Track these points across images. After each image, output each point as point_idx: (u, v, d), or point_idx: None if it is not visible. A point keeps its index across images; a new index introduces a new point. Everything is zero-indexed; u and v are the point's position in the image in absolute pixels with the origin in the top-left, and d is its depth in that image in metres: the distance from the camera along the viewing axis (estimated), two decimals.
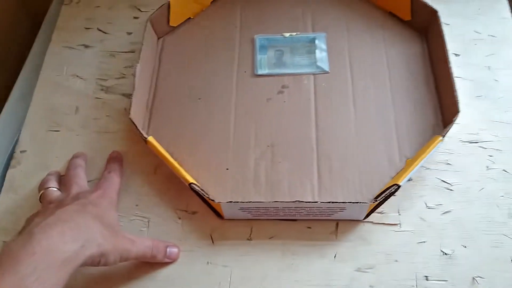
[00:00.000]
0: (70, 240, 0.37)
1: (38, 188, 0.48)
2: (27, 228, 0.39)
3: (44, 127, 0.56)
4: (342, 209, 0.44)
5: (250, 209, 0.45)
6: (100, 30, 0.63)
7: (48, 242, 0.36)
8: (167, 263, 0.45)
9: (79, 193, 0.45)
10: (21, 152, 0.54)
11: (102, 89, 0.58)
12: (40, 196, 0.47)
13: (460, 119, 0.49)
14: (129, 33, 0.63)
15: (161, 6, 0.58)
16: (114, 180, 0.48)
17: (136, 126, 0.49)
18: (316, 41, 0.58)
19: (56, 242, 0.36)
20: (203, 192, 0.45)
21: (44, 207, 0.44)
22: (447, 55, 0.51)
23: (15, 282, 0.33)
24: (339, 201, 0.44)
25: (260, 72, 0.57)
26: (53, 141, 0.55)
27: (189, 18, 0.62)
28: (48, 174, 0.50)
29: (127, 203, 0.50)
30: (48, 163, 0.53)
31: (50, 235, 0.37)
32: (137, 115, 0.52)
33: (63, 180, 0.49)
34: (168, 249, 0.45)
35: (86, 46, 0.62)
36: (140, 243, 0.43)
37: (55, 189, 0.47)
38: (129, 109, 0.50)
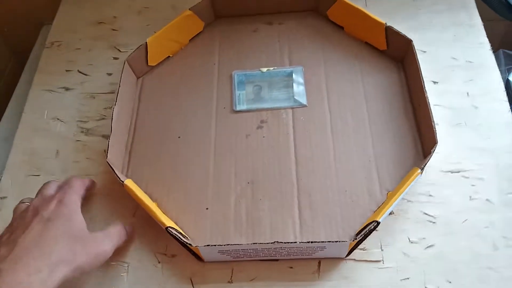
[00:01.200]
0: (34, 271, 0.37)
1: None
2: None
3: (24, 172, 0.56)
4: (323, 248, 0.44)
5: (229, 252, 0.44)
6: (80, 72, 0.64)
7: (13, 277, 0.36)
8: None
9: (39, 205, 0.43)
10: (1, 198, 0.54)
11: (82, 132, 0.58)
12: (14, 211, 0.46)
13: (440, 148, 0.49)
14: (109, 74, 0.63)
15: (138, 47, 0.58)
16: (74, 183, 0.46)
17: (113, 170, 0.49)
18: (293, 75, 0.58)
19: (22, 276, 0.37)
20: (180, 236, 0.44)
21: (5, 229, 0.42)
22: (423, 85, 0.51)
23: None
24: (318, 241, 0.43)
25: (238, 108, 0.56)
26: (34, 187, 0.54)
27: (168, 56, 0.62)
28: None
29: None
30: None
31: (15, 269, 0.37)
32: (116, 157, 0.52)
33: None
34: (126, 227, 0.47)
35: (67, 89, 0.62)
36: (108, 241, 0.44)
37: (25, 203, 0.46)
38: (107, 152, 0.50)
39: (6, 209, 0.53)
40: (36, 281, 0.37)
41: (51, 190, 0.46)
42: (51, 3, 0.71)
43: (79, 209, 0.44)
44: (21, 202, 0.46)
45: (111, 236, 0.45)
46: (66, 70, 0.64)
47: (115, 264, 0.48)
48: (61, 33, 0.68)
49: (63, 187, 0.46)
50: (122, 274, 0.47)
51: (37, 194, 0.46)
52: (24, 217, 0.42)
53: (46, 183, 0.47)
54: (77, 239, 0.41)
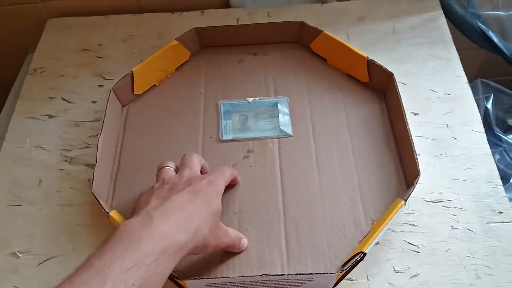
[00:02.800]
0: (184, 230, 0.39)
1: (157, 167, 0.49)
2: (144, 208, 0.40)
3: (5, 201, 0.54)
4: (310, 280, 0.44)
5: (216, 284, 0.44)
6: (64, 100, 0.63)
7: (165, 229, 0.38)
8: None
9: (191, 177, 0.45)
10: None
11: (66, 160, 0.57)
12: (156, 173, 0.47)
13: (422, 179, 0.50)
14: (94, 102, 0.63)
15: (124, 76, 0.59)
16: (225, 172, 0.48)
17: (98, 201, 0.48)
18: (279, 105, 0.59)
19: (172, 230, 0.38)
20: None
21: (158, 185, 0.44)
22: (405, 117, 0.53)
23: (137, 258, 0.35)
24: (306, 273, 0.43)
25: (225, 137, 0.57)
26: (15, 217, 0.53)
27: (154, 85, 0.63)
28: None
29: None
30: (10, 239, 0.51)
31: (167, 222, 0.38)
32: (101, 187, 0.52)
33: (180, 163, 0.49)
34: (242, 240, 0.47)
35: (50, 116, 0.62)
36: (230, 235, 0.46)
37: (172, 169, 0.47)
38: (92, 182, 0.50)
39: None
40: (182, 240, 0.38)
41: (197, 166, 0.48)
42: (36, 31, 0.71)
43: (221, 195, 0.46)
44: (165, 165, 0.48)
45: (229, 236, 0.45)
46: (50, 97, 0.64)
47: None
48: (44, 60, 0.68)
49: (214, 171, 0.47)
50: None
51: (182, 163, 0.48)
52: (177, 183, 0.44)
53: (189, 154, 0.49)
54: (213, 219, 0.43)
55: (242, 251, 0.48)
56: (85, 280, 0.33)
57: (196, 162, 0.48)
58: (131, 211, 0.43)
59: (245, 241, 0.48)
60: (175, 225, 0.38)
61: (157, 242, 0.36)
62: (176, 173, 0.47)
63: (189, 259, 0.47)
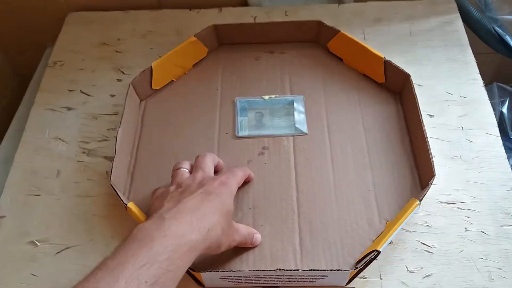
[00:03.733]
0: (196, 230, 0.39)
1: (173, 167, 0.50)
2: (157, 211, 0.41)
3: (24, 191, 0.55)
4: (324, 276, 0.44)
5: (230, 278, 0.45)
6: (83, 93, 0.64)
7: (177, 229, 0.39)
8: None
9: (204, 179, 0.46)
10: (0, 217, 0.53)
11: (84, 152, 0.58)
12: (172, 173, 0.49)
13: (436, 180, 0.51)
14: (112, 95, 0.64)
15: (144, 70, 0.59)
16: (237, 172, 0.49)
17: (117, 192, 0.49)
18: (295, 104, 0.59)
19: (185, 230, 0.39)
20: None
21: (173, 189, 0.46)
22: (421, 118, 0.53)
23: (150, 256, 0.35)
24: (320, 269, 0.44)
25: (241, 134, 0.58)
26: (33, 206, 0.54)
27: (172, 81, 0.63)
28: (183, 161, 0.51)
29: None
30: (28, 229, 0.52)
31: (180, 222, 0.39)
32: (118, 179, 0.53)
33: (194, 165, 0.50)
34: (254, 236, 0.48)
35: (69, 109, 0.63)
36: (241, 232, 0.46)
37: (186, 170, 0.49)
38: (110, 174, 0.50)
39: (4, 228, 0.52)
40: (195, 240, 0.39)
41: (210, 167, 0.50)
42: (56, 25, 0.72)
43: (233, 195, 0.47)
44: (180, 167, 0.49)
45: (240, 233, 0.46)
46: (69, 90, 0.65)
47: None
48: (64, 53, 0.69)
49: (226, 172, 0.49)
50: None
51: (196, 165, 0.49)
52: (190, 185, 0.45)
53: (202, 156, 0.50)
54: (226, 219, 0.43)
55: (255, 246, 0.48)
56: (99, 279, 0.34)
57: (209, 162, 0.50)
58: (147, 213, 0.45)
59: (258, 236, 0.48)
60: (188, 225, 0.39)
61: (169, 241, 0.37)
62: (190, 174, 0.48)
63: None
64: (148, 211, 0.45)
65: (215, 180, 0.46)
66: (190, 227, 0.39)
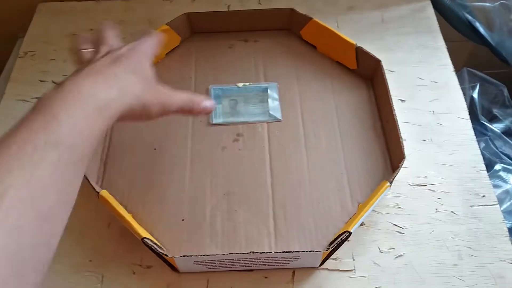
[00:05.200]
0: (104, 87, 0.35)
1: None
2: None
3: None
4: (297, 258, 0.45)
5: (205, 262, 0.45)
6: (55, 83, 0.63)
7: (79, 89, 0.34)
8: None
9: (110, 50, 0.41)
10: None
11: None
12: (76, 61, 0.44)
13: (408, 163, 0.52)
14: None
15: None
16: (147, 40, 0.44)
17: (88, 180, 0.49)
18: (268, 91, 0.60)
19: (88, 89, 0.34)
20: (155, 247, 0.45)
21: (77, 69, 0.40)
22: (392, 103, 0.53)
23: (52, 126, 0.30)
24: (292, 251, 0.44)
25: (215, 121, 0.58)
26: None
27: None
28: (81, 36, 0.45)
29: (80, 259, 0.48)
30: None
31: (82, 84, 0.34)
32: (90, 168, 0.52)
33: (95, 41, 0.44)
34: (203, 102, 0.44)
35: None
36: (178, 95, 0.43)
37: (90, 50, 0.43)
38: None
39: None
40: (104, 98, 0.34)
41: (115, 40, 0.44)
42: (26, 16, 0.71)
43: (149, 59, 0.42)
44: (80, 49, 0.43)
45: (177, 96, 0.43)
46: (40, 81, 0.64)
47: (90, 275, 0.47)
48: (35, 43, 0.68)
49: (135, 41, 0.44)
50: (96, 285, 0.47)
51: (98, 42, 0.43)
52: (93, 58, 0.40)
53: (103, 29, 0.44)
54: (146, 81, 0.40)
55: (207, 113, 0.46)
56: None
57: (113, 35, 0.44)
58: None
59: (209, 102, 0.45)
60: (92, 85, 0.35)
61: (71, 103, 0.32)
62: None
63: (178, 237, 0.48)
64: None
65: (121, 47, 0.41)
66: (95, 86, 0.35)
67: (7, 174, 0.28)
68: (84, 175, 0.48)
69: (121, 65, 0.38)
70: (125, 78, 0.38)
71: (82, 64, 0.41)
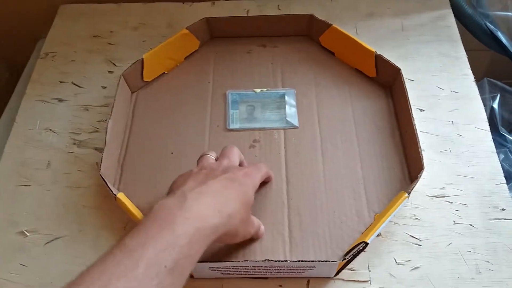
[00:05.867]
0: (218, 214, 0.38)
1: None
2: (180, 188, 0.40)
3: (14, 182, 0.55)
4: (312, 267, 0.44)
5: (219, 269, 0.45)
6: (74, 84, 0.64)
7: (199, 210, 0.37)
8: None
9: (229, 166, 0.45)
10: None
11: (74, 143, 0.58)
12: (198, 160, 0.48)
13: (426, 174, 0.51)
14: (104, 87, 0.63)
15: (135, 62, 0.59)
16: (262, 168, 0.49)
17: (106, 183, 0.49)
18: (286, 97, 0.59)
19: (206, 213, 0.38)
20: None
21: (197, 170, 0.44)
22: (411, 112, 0.53)
23: (171, 240, 0.34)
24: (308, 260, 0.44)
25: (232, 126, 0.58)
26: (23, 197, 0.54)
27: (163, 73, 0.63)
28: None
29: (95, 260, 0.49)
30: (17, 219, 0.52)
31: (202, 204, 0.38)
32: (108, 170, 0.53)
33: (220, 153, 0.49)
34: (261, 227, 0.48)
35: (60, 100, 0.63)
36: (255, 224, 0.46)
37: (212, 157, 0.48)
38: (100, 165, 0.50)
39: None
40: (215, 224, 0.38)
41: (236, 158, 0.48)
42: (48, 17, 0.72)
43: (255, 189, 0.46)
44: (206, 153, 0.48)
45: (254, 226, 0.46)
46: (60, 81, 0.65)
47: None
48: (56, 44, 0.69)
49: (251, 165, 0.49)
50: None
51: (222, 153, 0.48)
52: (215, 169, 0.44)
53: (230, 147, 0.49)
54: (246, 210, 0.43)
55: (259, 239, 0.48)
56: (118, 261, 0.32)
57: (235, 154, 0.49)
58: (168, 190, 0.43)
59: (263, 228, 0.48)
60: (210, 208, 0.38)
61: (191, 224, 0.36)
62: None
63: None
64: (170, 187, 0.44)
65: (240, 170, 0.45)
66: (212, 211, 0.38)
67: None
68: (102, 177, 0.49)
69: (234, 190, 0.42)
70: (235, 205, 0.41)
71: (201, 166, 0.45)
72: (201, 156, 0.48)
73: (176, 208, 0.37)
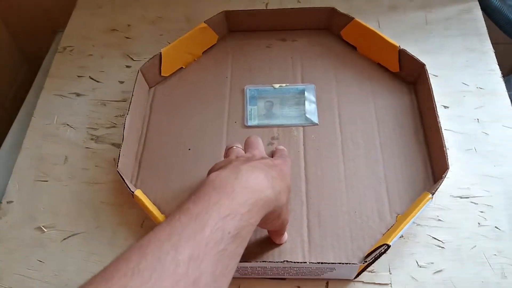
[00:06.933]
0: (271, 187, 0.38)
1: (224, 150, 0.49)
2: (229, 165, 0.39)
3: (32, 177, 0.55)
4: (332, 269, 0.43)
5: (237, 268, 0.44)
6: (92, 79, 0.64)
7: (256, 182, 0.37)
8: None
9: (264, 156, 0.45)
10: (7, 202, 0.53)
11: (92, 139, 0.58)
12: (226, 153, 0.47)
13: (450, 173, 0.49)
14: (121, 82, 0.63)
15: (153, 57, 0.58)
16: (288, 160, 0.48)
17: (123, 179, 0.49)
18: (305, 93, 0.58)
19: (262, 185, 0.37)
20: None
21: (233, 157, 0.44)
22: (436, 109, 0.51)
23: (231, 207, 0.34)
24: (328, 262, 0.43)
25: (250, 123, 0.57)
26: (41, 192, 0.54)
27: (181, 68, 0.62)
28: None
29: (111, 257, 0.48)
30: (35, 215, 0.52)
31: (257, 176, 0.38)
32: (126, 166, 0.52)
33: (245, 146, 0.48)
34: (285, 234, 0.47)
35: (78, 95, 0.62)
36: (288, 215, 0.44)
37: (241, 149, 0.47)
38: (118, 161, 0.50)
39: (12, 213, 0.52)
40: (270, 196, 0.37)
41: (263, 149, 0.47)
42: (66, 11, 0.71)
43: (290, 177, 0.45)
44: (233, 145, 0.47)
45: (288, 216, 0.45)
46: (78, 76, 0.64)
47: None
48: (74, 38, 0.69)
49: (280, 157, 0.48)
50: None
51: (250, 146, 0.47)
52: (250, 158, 0.43)
53: (254, 137, 0.48)
54: (288, 195, 0.42)
55: (280, 244, 0.47)
56: (184, 224, 0.32)
57: (261, 145, 0.48)
58: (207, 175, 0.42)
59: (286, 235, 0.47)
60: (264, 181, 0.38)
61: (249, 193, 0.36)
62: None
63: None
64: (210, 170, 0.43)
65: (275, 158, 0.45)
66: (266, 183, 0.38)
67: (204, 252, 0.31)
68: (120, 174, 0.48)
69: (277, 172, 0.41)
70: (281, 186, 0.40)
71: (235, 156, 0.44)
72: (229, 148, 0.47)
73: (233, 178, 0.37)
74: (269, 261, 0.44)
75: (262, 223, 0.39)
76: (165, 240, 0.31)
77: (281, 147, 0.52)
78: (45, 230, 0.51)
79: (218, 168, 0.40)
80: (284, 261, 0.43)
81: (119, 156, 0.50)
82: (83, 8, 0.72)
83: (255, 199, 0.36)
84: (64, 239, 0.50)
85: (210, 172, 0.43)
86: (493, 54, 0.62)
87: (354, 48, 0.63)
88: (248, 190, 0.36)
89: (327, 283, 0.46)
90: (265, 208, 0.37)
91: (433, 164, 0.52)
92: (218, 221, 0.33)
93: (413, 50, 0.57)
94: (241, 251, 0.35)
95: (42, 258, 0.49)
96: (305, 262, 0.44)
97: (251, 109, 0.58)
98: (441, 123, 0.50)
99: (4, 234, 0.51)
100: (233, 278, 0.45)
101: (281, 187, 0.40)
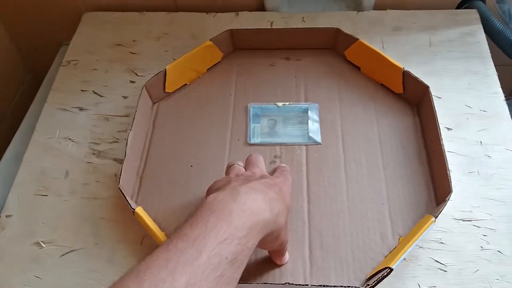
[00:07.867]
0: (269, 209, 0.38)
1: (226, 167, 0.48)
2: (227, 186, 0.39)
3: (32, 191, 0.55)
4: None
5: None
6: (95, 93, 0.64)
7: (254, 205, 0.37)
8: None
9: (263, 175, 0.45)
10: (6, 216, 0.53)
11: (94, 153, 0.58)
12: (226, 170, 0.47)
13: (453, 196, 0.49)
14: (125, 97, 0.63)
15: (157, 73, 0.59)
16: (289, 177, 0.49)
17: (125, 197, 0.48)
18: (309, 112, 0.58)
19: (260, 207, 0.37)
20: None
21: (232, 175, 0.44)
22: (439, 132, 0.51)
23: (228, 231, 0.34)
24: (330, 285, 0.42)
25: (253, 141, 0.56)
26: (40, 206, 0.54)
27: (185, 84, 0.62)
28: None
29: (110, 275, 0.48)
30: (34, 229, 0.52)
31: (254, 198, 0.38)
32: (127, 183, 0.52)
33: (246, 163, 0.48)
34: (286, 254, 0.47)
35: (81, 109, 0.62)
36: (288, 237, 0.44)
37: (242, 166, 0.47)
38: (119, 177, 0.50)
39: (10, 228, 0.52)
40: (267, 219, 0.37)
41: (264, 167, 0.48)
42: (71, 24, 0.72)
43: (291, 196, 0.46)
44: (235, 163, 0.47)
45: (287, 236, 0.45)
46: (81, 90, 0.64)
47: None
48: (78, 52, 0.69)
49: (281, 176, 0.48)
50: None
51: (251, 163, 0.47)
52: (250, 176, 0.43)
53: (255, 155, 0.49)
54: (287, 215, 0.42)
55: (281, 265, 0.47)
56: (181, 250, 0.32)
57: (262, 163, 0.48)
58: (205, 194, 0.43)
59: (287, 255, 0.47)
60: (262, 203, 0.38)
61: (247, 217, 0.36)
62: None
63: None
64: (208, 190, 0.43)
65: (275, 177, 0.45)
66: (264, 206, 0.38)
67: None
68: (121, 191, 0.48)
69: (276, 192, 0.41)
70: (279, 207, 0.40)
71: (235, 175, 0.44)
72: (230, 166, 0.47)
73: (230, 201, 0.37)
74: (270, 283, 0.44)
75: (261, 245, 0.39)
76: (162, 267, 0.31)
77: (283, 165, 0.51)
78: (44, 245, 0.50)
79: (217, 189, 0.40)
80: (286, 283, 0.43)
81: (120, 173, 0.50)
82: (88, 22, 0.73)
83: (253, 222, 0.36)
84: (63, 255, 0.50)
85: (208, 190, 0.43)
86: (496, 77, 0.62)
87: (358, 68, 0.63)
88: (246, 213, 0.36)
89: None
90: (262, 231, 0.37)
91: (435, 186, 0.51)
92: (215, 247, 0.33)
93: (417, 71, 0.58)
94: (238, 276, 0.34)
95: (40, 274, 0.48)
96: (307, 285, 0.43)
97: (254, 126, 0.58)
98: (444, 145, 0.50)
99: (2, 249, 0.50)
100: None
101: (279, 208, 0.40)
